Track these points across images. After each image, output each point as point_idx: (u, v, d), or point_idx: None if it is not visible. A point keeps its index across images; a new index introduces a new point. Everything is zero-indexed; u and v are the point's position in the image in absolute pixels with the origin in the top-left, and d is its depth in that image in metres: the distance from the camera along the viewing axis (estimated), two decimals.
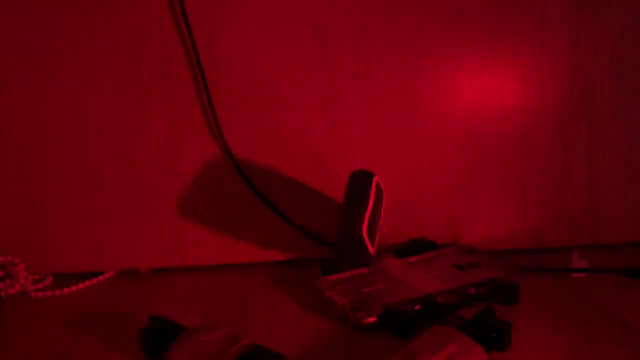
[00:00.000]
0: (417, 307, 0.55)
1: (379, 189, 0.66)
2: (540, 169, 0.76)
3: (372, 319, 0.55)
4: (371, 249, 0.64)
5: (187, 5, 0.66)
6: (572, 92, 0.74)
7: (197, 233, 0.71)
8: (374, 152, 0.73)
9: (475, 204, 0.76)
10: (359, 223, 0.63)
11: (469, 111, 0.74)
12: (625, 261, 0.68)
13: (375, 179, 0.66)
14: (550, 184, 0.76)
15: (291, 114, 0.71)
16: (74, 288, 0.66)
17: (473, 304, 0.57)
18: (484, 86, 0.73)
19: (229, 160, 0.70)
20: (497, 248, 0.73)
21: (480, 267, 0.65)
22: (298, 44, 0.69)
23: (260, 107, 0.70)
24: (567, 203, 0.76)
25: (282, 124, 0.71)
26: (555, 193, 0.76)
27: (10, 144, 0.67)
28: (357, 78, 0.71)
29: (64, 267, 0.69)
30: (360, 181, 0.65)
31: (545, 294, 0.63)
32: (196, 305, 0.62)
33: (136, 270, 0.71)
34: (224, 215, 0.71)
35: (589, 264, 0.67)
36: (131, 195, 0.69)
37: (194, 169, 0.70)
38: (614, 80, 0.75)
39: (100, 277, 0.69)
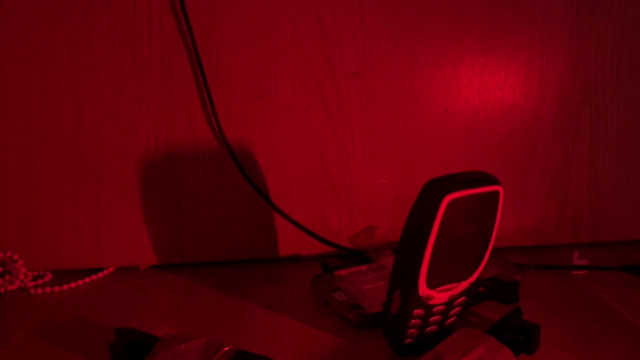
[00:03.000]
0: None
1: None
2: (541, 169, 0.76)
3: (371, 317, 0.55)
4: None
5: (187, 2, 0.66)
6: (572, 91, 0.74)
7: (197, 230, 0.71)
8: (374, 150, 0.73)
9: None
10: None
11: (470, 108, 0.74)
12: (624, 259, 0.68)
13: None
14: (550, 183, 0.76)
15: (291, 111, 0.71)
16: (73, 285, 0.66)
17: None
18: (484, 83, 0.73)
19: (229, 157, 0.70)
20: (497, 246, 0.73)
21: None
22: (298, 41, 0.69)
23: (260, 105, 0.70)
24: (567, 203, 0.76)
25: (282, 121, 0.71)
26: (555, 193, 0.76)
27: (10, 141, 0.67)
28: (357, 75, 0.71)
29: (64, 264, 0.69)
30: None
31: (546, 292, 0.63)
32: (196, 303, 0.62)
33: (136, 267, 0.72)
34: (224, 212, 0.71)
35: (589, 262, 0.67)
36: (131, 192, 0.69)
37: (194, 167, 0.70)
38: (614, 81, 0.75)
39: (100, 274, 0.69)
